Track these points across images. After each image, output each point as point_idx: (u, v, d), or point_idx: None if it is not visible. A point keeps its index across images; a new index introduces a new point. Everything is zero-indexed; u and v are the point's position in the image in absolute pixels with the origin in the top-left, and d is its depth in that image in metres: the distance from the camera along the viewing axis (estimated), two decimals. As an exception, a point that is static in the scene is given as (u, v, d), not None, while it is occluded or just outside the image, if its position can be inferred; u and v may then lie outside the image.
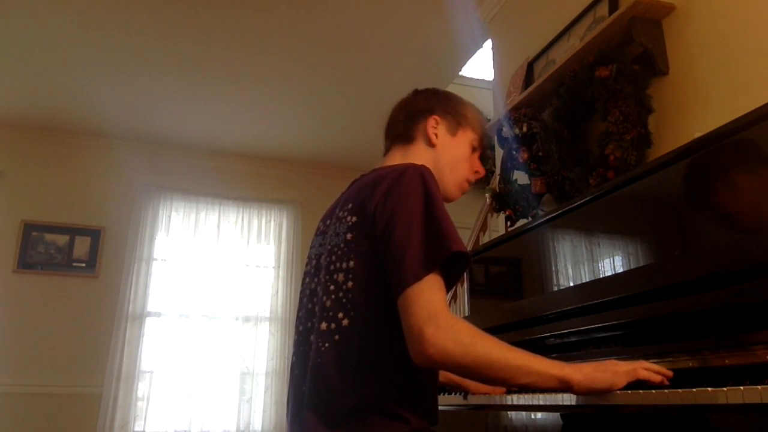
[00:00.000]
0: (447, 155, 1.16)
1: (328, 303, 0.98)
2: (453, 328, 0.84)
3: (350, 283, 0.96)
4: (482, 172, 1.21)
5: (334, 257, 1.01)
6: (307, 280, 1.11)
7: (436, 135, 1.16)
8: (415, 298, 0.85)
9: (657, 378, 0.89)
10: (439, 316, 0.83)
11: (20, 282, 4.11)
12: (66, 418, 3.94)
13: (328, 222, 1.10)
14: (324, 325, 0.97)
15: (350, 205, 1.02)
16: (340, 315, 0.95)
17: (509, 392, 1.25)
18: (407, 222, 0.90)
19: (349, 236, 0.99)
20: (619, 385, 0.89)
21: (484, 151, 1.23)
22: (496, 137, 2.48)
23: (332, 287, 0.99)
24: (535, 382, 0.88)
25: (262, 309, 4.60)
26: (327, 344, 0.95)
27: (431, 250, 0.87)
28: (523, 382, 0.87)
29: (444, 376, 1.35)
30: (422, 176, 0.95)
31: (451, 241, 0.88)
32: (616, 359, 0.95)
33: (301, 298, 1.12)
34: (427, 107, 1.18)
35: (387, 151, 1.20)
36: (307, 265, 1.14)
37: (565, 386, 0.89)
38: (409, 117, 1.18)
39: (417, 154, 1.14)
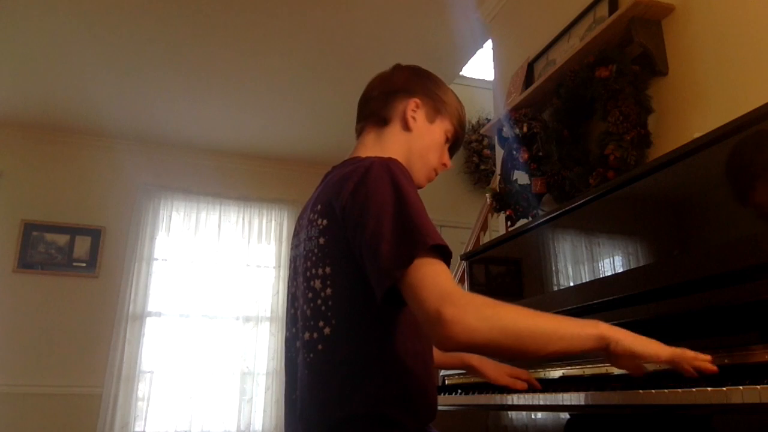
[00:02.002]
0: (421, 141, 1.08)
1: (309, 312, 0.94)
2: (472, 303, 0.78)
3: (329, 290, 0.92)
4: (449, 165, 1.14)
5: (309, 263, 0.96)
6: (289, 283, 1.07)
7: (414, 119, 1.08)
8: (419, 284, 0.79)
9: (704, 364, 0.82)
10: (453, 294, 0.77)
11: (20, 282, 4.11)
12: (66, 418, 3.94)
13: (303, 222, 1.04)
14: (307, 335, 0.94)
15: (319, 207, 0.97)
16: (321, 324, 0.91)
17: (509, 392, 1.25)
18: (377, 220, 0.84)
19: (321, 240, 0.94)
20: (661, 355, 0.83)
21: (455, 144, 1.15)
22: (496, 137, 2.49)
23: (310, 294, 0.95)
24: (570, 347, 0.82)
25: (262, 309, 4.60)
26: (312, 354, 0.92)
27: (404, 246, 0.81)
28: (557, 348, 0.81)
29: (461, 360, 1.31)
30: (389, 171, 0.89)
31: (426, 235, 0.81)
32: None
33: (286, 302, 1.08)
34: (407, 87, 1.10)
35: (360, 132, 1.13)
36: (289, 267, 1.09)
37: (602, 344, 0.83)
38: (386, 95, 1.10)
39: (391, 139, 1.08)
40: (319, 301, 0.93)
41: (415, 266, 0.79)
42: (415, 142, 1.08)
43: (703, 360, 0.82)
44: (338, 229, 0.91)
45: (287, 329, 1.04)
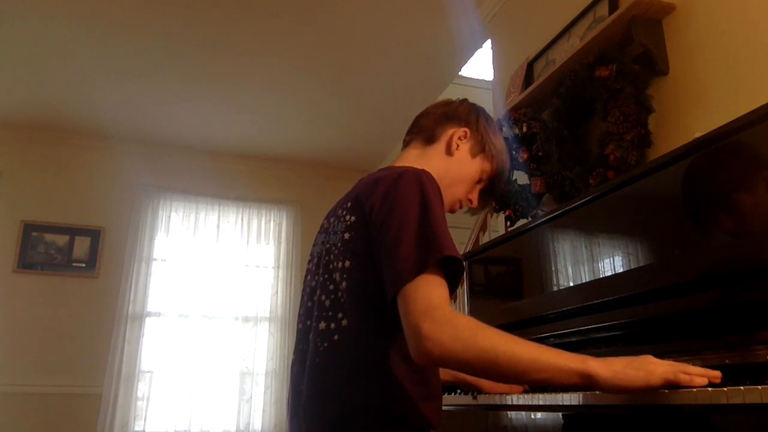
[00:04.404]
0: (456, 170, 1.12)
1: (327, 302, 0.98)
2: (451, 323, 0.79)
3: (345, 283, 0.95)
4: (475, 203, 1.17)
5: (332, 256, 1.00)
6: (308, 277, 1.10)
7: (458, 147, 1.12)
8: (411, 295, 0.82)
9: (701, 382, 0.78)
10: (436, 311, 0.80)
11: (20, 282, 4.11)
12: (66, 418, 3.94)
13: (331, 219, 1.09)
14: (323, 325, 0.96)
15: (349, 204, 1.02)
16: (339, 315, 0.95)
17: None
18: (400, 225, 0.88)
19: (346, 236, 0.98)
20: (653, 385, 0.80)
21: (490, 189, 1.18)
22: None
23: (331, 287, 0.98)
24: (551, 378, 0.80)
25: (261, 309, 4.60)
26: (326, 344, 0.95)
27: (422, 252, 0.84)
28: (537, 378, 0.80)
29: (454, 376, 1.33)
30: (420, 181, 0.93)
31: (443, 245, 0.85)
32: (652, 356, 0.84)
33: (302, 296, 1.11)
34: (465, 117, 1.15)
35: (407, 144, 1.17)
36: (309, 262, 1.14)
37: (588, 382, 0.80)
38: (444, 116, 1.15)
39: (432, 158, 1.12)
40: (339, 294, 0.96)
41: (415, 280, 0.82)
42: (451, 168, 1.12)
43: (699, 381, 0.78)
44: (363, 228, 0.95)
45: (301, 322, 1.07)
